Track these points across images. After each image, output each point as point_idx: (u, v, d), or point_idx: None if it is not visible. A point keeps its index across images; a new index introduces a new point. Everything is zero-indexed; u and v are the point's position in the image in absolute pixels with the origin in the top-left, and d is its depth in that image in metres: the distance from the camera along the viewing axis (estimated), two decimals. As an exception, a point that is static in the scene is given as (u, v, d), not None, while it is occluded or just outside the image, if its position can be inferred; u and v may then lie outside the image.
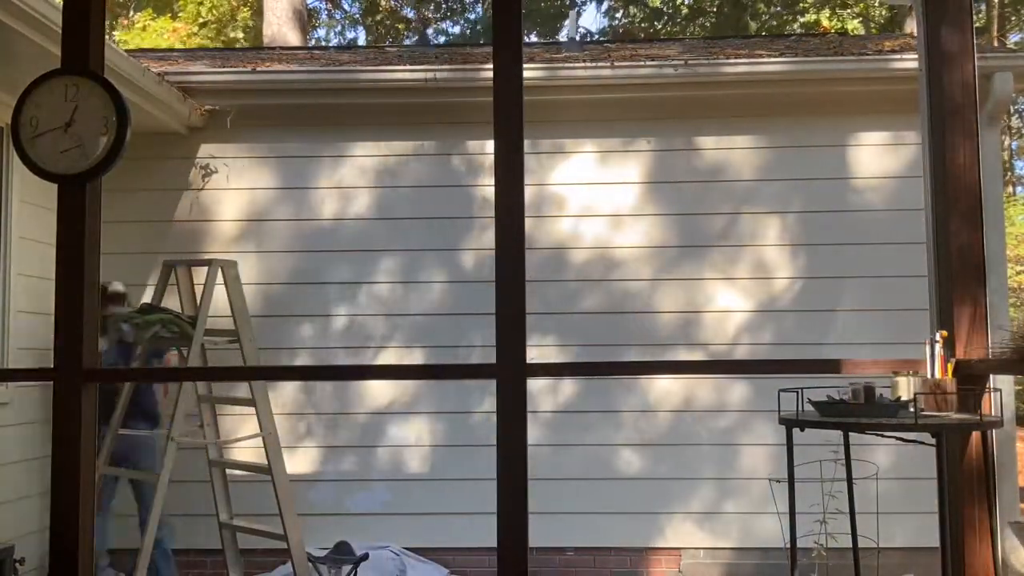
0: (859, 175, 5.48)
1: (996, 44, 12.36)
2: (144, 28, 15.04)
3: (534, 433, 5.20)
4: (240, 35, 16.26)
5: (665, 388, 5.42)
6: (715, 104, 5.51)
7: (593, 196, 5.54)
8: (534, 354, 5.24)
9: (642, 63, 5.47)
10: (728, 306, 5.43)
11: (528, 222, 5.35)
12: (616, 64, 5.43)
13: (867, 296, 5.39)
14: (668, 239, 5.49)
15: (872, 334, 5.32)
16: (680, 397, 5.42)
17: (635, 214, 5.52)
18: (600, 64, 5.45)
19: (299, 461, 5.35)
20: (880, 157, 5.49)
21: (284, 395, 5.42)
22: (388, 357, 5.46)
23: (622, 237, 5.51)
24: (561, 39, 14.73)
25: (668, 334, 5.42)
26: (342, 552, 4.49)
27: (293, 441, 5.37)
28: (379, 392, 5.49)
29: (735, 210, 5.49)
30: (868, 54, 5.71)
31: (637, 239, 5.49)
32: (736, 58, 5.59)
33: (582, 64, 5.47)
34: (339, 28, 19.52)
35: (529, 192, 5.39)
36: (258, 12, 15.35)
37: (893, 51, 5.81)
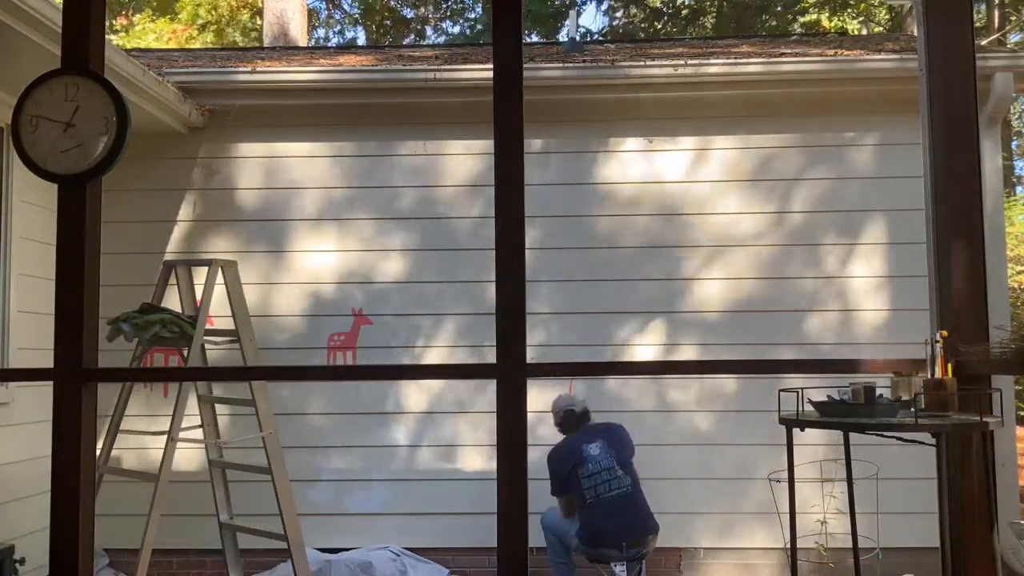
0: (858, 175, 5.49)
1: (996, 44, 12.35)
2: (143, 29, 15.03)
3: (533, 432, 5.20)
4: (238, 35, 16.24)
5: (664, 387, 5.42)
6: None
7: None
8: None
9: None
10: (730, 306, 5.44)
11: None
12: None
13: (867, 296, 5.39)
14: (666, 239, 5.50)
15: (872, 334, 5.33)
16: (679, 396, 5.42)
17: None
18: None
19: (300, 461, 5.35)
20: (881, 157, 5.49)
21: (286, 395, 5.42)
22: (403, 357, 5.47)
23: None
24: (561, 39, 14.71)
25: (670, 332, 5.43)
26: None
27: (295, 441, 5.37)
28: (389, 392, 5.49)
29: (738, 210, 5.50)
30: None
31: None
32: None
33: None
34: (339, 28, 19.53)
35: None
36: (258, 13, 15.36)
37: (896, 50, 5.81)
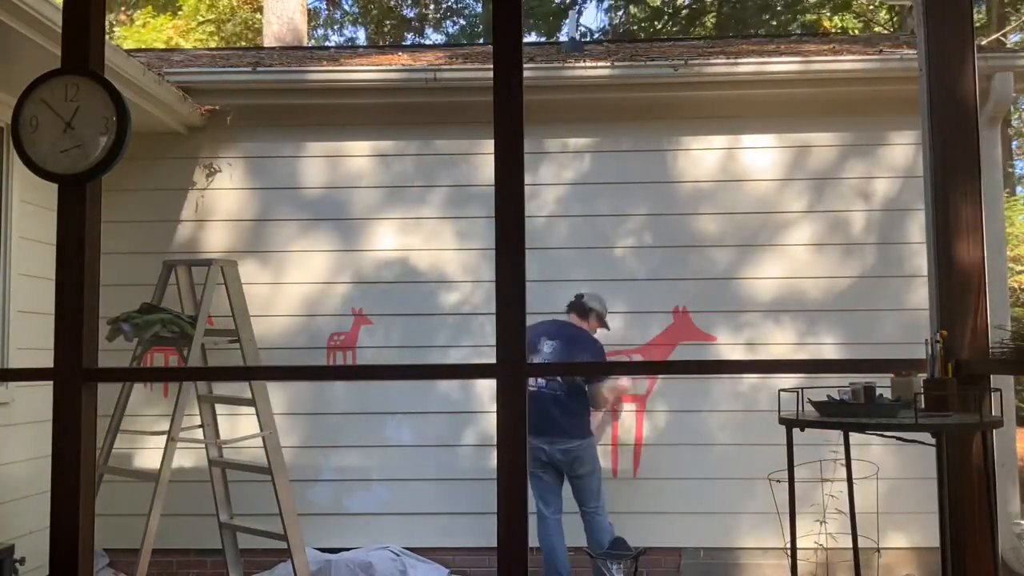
0: (858, 175, 5.49)
1: (996, 44, 12.35)
2: (144, 25, 15.03)
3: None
4: (238, 30, 16.22)
5: (662, 388, 5.42)
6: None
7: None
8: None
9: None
10: (730, 306, 5.44)
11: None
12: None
13: (867, 296, 5.39)
14: (663, 239, 5.51)
15: (872, 334, 5.33)
16: (678, 397, 5.42)
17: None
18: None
19: (300, 461, 5.35)
20: (883, 157, 5.49)
21: (286, 395, 5.42)
22: (403, 356, 5.47)
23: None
24: (561, 38, 14.70)
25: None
26: (620, 547, 4.67)
27: (294, 441, 5.37)
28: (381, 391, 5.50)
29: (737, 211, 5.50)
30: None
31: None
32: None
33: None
34: (339, 28, 19.53)
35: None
36: (257, 10, 15.35)
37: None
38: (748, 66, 5.37)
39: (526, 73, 5.14)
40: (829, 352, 5.33)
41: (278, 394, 5.35)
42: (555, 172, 5.58)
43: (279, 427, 4.76)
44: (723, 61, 5.44)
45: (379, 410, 5.48)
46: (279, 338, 5.48)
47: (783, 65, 5.37)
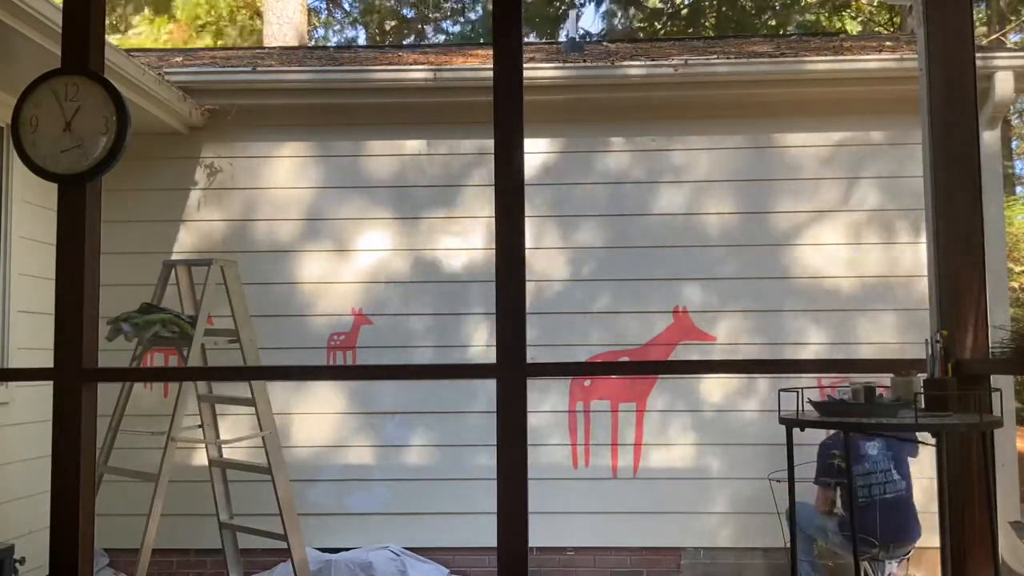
0: (858, 175, 5.49)
1: (996, 44, 12.36)
2: (140, 33, 15.04)
3: (534, 432, 5.20)
4: (236, 34, 16.23)
5: (662, 387, 5.42)
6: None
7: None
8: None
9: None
10: (731, 306, 5.44)
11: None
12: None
13: (867, 296, 5.39)
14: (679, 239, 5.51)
15: (872, 334, 5.33)
16: (678, 397, 5.42)
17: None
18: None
19: (300, 461, 5.35)
20: (883, 156, 5.50)
21: (286, 394, 5.42)
22: (403, 357, 5.46)
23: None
24: (561, 39, 14.69)
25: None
26: None
27: (295, 441, 5.37)
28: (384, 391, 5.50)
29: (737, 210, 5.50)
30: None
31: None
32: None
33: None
34: (339, 28, 19.52)
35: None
36: (257, 13, 15.35)
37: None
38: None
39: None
40: (836, 353, 5.32)
41: (278, 394, 5.35)
42: (566, 172, 5.57)
43: (279, 427, 4.76)
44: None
45: (379, 410, 5.48)
46: (279, 338, 5.48)
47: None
